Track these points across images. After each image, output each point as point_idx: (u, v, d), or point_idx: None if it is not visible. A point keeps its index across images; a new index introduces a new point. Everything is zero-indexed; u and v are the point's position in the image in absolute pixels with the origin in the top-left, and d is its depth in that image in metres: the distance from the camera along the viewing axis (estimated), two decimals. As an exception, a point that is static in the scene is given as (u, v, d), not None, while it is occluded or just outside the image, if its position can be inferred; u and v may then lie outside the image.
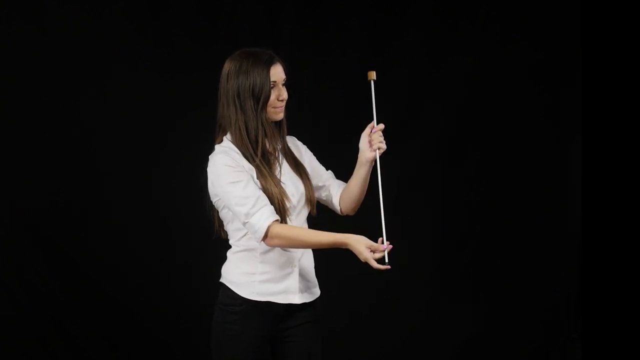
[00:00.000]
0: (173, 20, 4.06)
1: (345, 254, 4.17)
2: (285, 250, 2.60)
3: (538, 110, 4.17)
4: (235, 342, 2.59)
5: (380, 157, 2.64)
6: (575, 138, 3.99)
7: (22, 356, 3.96)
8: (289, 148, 2.69)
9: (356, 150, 2.80)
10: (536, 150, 4.17)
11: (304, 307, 2.65)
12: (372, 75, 2.73)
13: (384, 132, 2.66)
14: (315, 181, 2.73)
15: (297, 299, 2.63)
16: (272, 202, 2.54)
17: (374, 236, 2.63)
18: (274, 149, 2.64)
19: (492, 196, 4.19)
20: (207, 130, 2.74)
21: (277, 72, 2.59)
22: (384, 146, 2.62)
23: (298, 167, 2.68)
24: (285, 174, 2.64)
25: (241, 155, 2.57)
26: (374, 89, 2.71)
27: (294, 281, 2.62)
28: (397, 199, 4.21)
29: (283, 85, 2.61)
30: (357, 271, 4.17)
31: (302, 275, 2.64)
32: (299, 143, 2.75)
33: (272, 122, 2.62)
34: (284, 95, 2.60)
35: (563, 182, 4.16)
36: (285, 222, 2.57)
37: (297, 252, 2.64)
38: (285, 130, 2.68)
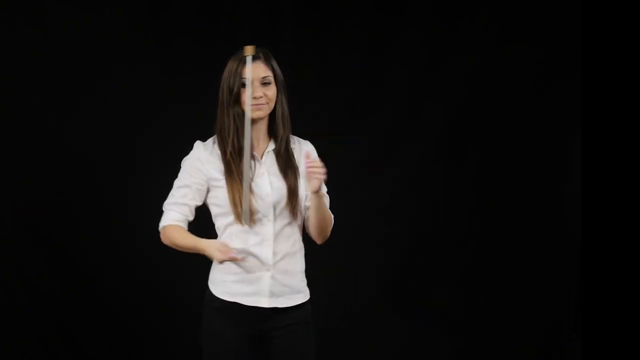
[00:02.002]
0: (173, 20, 4.05)
1: (343, 253, 4.19)
2: (256, 253, 2.62)
3: (538, 110, 4.16)
4: (213, 339, 2.65)
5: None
6: (575, 138, 3.99)
7: (22, 356, 3.96)
8: (287, 150, 2.68)
9: (355, 150, 2.82)
10: (536, 150, 4.17)
11: (287, 310, 2.64)
12: (250, 50, 2.59)
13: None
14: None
15: (265, 302, 2.63)
16: (235, 205, 2.61)
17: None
18: (254, 147, 2.65)
19: (492, 196, 4.19)
20: (208, 130, 2.74)
21: (253, 70, 2.60)
22: (319, 176, 2.56)
23: (288, 168, 2.66)
24: (265, 174, 2.64)
25: (216, 149, 2.66)
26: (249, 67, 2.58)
27: (264, 285, 2.62)
28: (397, 199, 4.21)
29: (265, 84, 2.61)
30: (357, 270, 4.20)
31: (278, 280, 2.63)
32: (314, 154, 2.71)
33: (258, 119, 2.64)
34: (256, 93, 2.60)
35: (563, 182, 4.16)
36: (248, 223, 2.61)
37: (272, 256, 2.63)
38: (282, 130, 2.67)
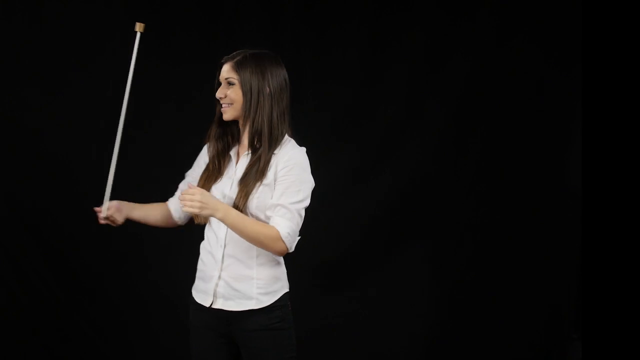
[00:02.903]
0: (173, 19, 4.05)
1: (344, 252, 4.18)
2: (213, 253, 2.66)
3: (538, 110, 4.16)
4: (193, 335, 2.73)
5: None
6: (575, 138, 3.99)
7: (22, 356, 3.96)
8: (257, 155, 2.60)
9: (355, 150, 2.81)
10: (536, 150, 4.17)
11: (247, 315, 2.63)
12: (141, 27, 2.65)
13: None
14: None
15: (208, 302, 2.66)
16: None
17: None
18: (240, 149, 2.68)
19: (492, 196, 4.19)
20: (205, 126, 2.75)
21: (222, 71, 2.64)
22: (189, 209, 2.49)
23: (248, 174, 2.60)
24: (232, 177, 2.64)
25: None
26: (138, 44, 2.63)
27: (212, 285, 2.65)
28: (397, 199, 4.21)
29: (229, 86, 2.62)
30: (356, 270, 4.20)
31: (228, 283, 2.64)
32: (290, 162, 2.60)
33: (233, 121, 2.66)
34: (217, 93, 2.64)
35: (563, 183, 4.15)
36: (200, 223, 2.70)
37: (221, 261, 2.64)
38: (249, 134, 2.61)
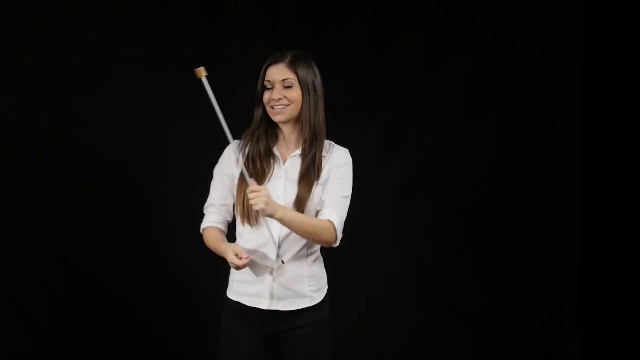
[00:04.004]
0: (173, 19, 4.05)
1: (345, 253, 4.19)
2: (261, 257, 2.63)
3: (538, 110, 4.16)
4: (228, 338, 2.68)
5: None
6: (575, 137, 3.99)
7: (22, 356, 3.96)
8: (312, 155, 2.65)
9: (355, 150, 2.80)
10: (536, 150, 4.17)
11: (296, 312, 2.64)
12: (201, 72, 2.57)
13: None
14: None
15: (265, 304, 2.65)
16: (242, 206, 2.63)
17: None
18: (283, 149, 2.68)
19: (492, 196, 4.19)
20: (205, 125, 2.74)
21: (273, 73, 2.62)
22: (256, 207, 2.50)
23: (305, 175, 2.64)
24: (282, 178, 2.64)
25: (240, 150, 2.67)
26: (209, 86, 2.57)
27: (266, 287, 2.64)
28: (397, 199, 4.21)
29: (287, 87, 2.62)
30: (355, 270, 4.20)
31: (282, 284, 2.64)
32: (342, 161, 2.68)
33: (280, 123, 2.66)
34: (274, 95, 2.61)
35: (563, 182, 4.15)
36: (251, 225, 2.63)
37: (276, 258, 2.64)
38: (305, 133, 2.66)
